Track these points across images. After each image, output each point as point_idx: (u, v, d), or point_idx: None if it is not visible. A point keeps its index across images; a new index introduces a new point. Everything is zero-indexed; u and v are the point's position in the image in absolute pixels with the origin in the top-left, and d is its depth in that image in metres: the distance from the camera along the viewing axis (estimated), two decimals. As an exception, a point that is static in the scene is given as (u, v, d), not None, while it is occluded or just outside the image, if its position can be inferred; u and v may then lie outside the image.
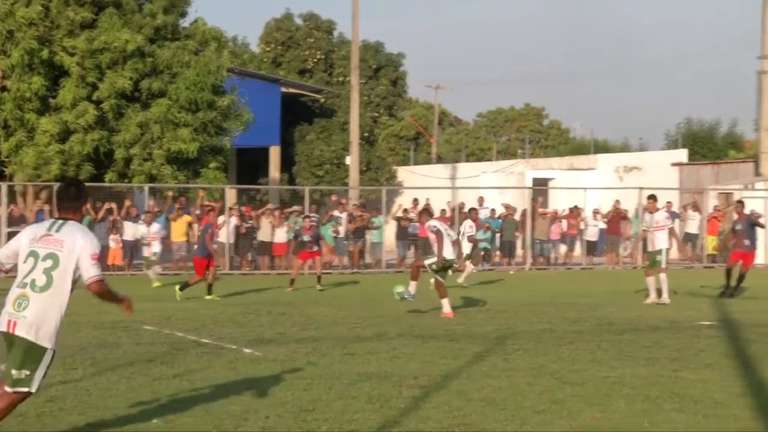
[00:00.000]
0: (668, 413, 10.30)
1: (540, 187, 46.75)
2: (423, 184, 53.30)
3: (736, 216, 24.16)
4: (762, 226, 26.23)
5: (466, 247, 27.72)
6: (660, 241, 23.20)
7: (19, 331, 8.16)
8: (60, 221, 8.48)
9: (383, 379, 12.32)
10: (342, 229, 36.61)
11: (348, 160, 46.54)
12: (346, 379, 12.19)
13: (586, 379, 12.29)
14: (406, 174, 60.81)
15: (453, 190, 43.66)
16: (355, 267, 36.57)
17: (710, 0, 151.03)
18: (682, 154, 50.94)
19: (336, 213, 37.37)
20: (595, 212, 40.71)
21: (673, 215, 23.84)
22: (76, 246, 8.32)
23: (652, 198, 24.09)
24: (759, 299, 24.00)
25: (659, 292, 22.81)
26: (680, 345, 15.52)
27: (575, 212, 40.64)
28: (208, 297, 23.49)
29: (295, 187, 49.31)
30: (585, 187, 43.77)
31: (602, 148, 64.34)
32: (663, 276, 22.80)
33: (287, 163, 55.16)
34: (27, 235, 8.50)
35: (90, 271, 8.30)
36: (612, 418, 10.13)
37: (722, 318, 19.18)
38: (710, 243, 40.08)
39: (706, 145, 60.47)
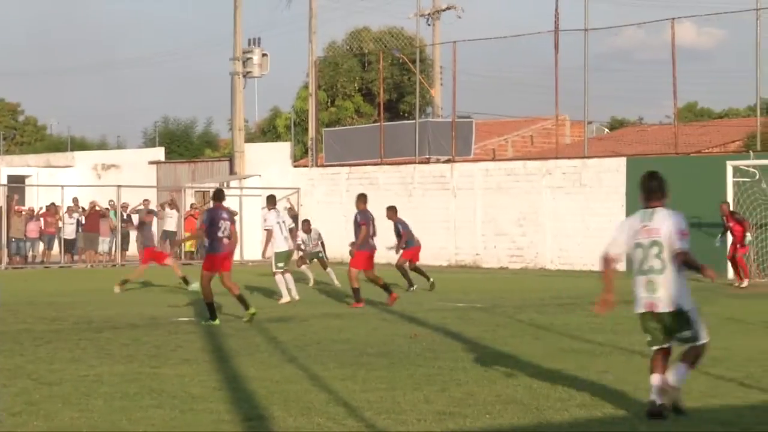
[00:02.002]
0: (146, 410, 10.39)
1: (16, 185, 45.46)
2: None
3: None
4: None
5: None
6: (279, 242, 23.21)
7: (662, 309, 9.87)
8: (650, 210, 10.02)
9: None
10: None
11: None
12: None
13: (65, 379, 12.15)
14: None
15: None
16: None
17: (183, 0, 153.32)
18: (159, 153, 51.48)
19: None
20: (71, 210, 40.22)
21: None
22: (668, 228, 9.85)
23: (273, 198, 24.13)
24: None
25: (290, 291, 23.08)
26: (159, 342, 15.71)
27: (52, 210, 39.95)
28: None
29: None
30: (62, 185, 43.08)
31: (80, 145, 63.70)
32: (288, 276, 23.05)
33: None
34: (627, 229, 10.13)
35: (676, 244, 9.79)
36: (90, 417, 10.07)
37: (199, 314, 19.59)
38: (188, 241, 40.78)
39: (182, 144, 61.49)
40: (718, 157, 36.67)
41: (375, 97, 52.28)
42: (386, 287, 22.06)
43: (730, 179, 30.55)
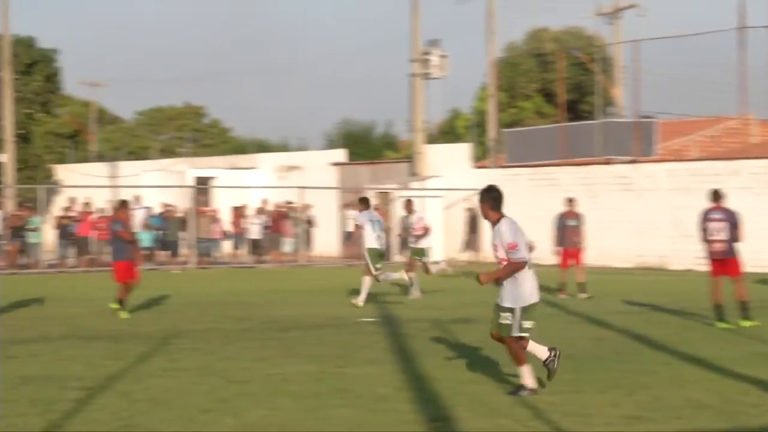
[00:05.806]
0: (333, 409, 10.51)
1: (202, 186, 46.57)
2: (82, 182, 52.05)
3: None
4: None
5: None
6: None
7: None
8: None
9: (46, 381, 12.01)
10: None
11: (3, 158, 44.91)
12: (7, 383, 11.75)
13: (253, 377, 12.38)
14: (64, 172, 59.26)
15: (113, 189, 42.87)
16: (13, 268, 35.19)
17: (362, 1, 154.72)
18: (340, 154, 52.02)
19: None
20: (258, 210, 41.01)
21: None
22: None
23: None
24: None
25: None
26: (344, 342, 15.86)
27: (238, 211, 40.82)
28: None
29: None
30: (248, 186, 43.95)
31: (262, 147, 64.84)
32: (385, 276, 22.56)
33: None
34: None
35: None
36: (278, 415, 10.24)
37: (383, 315, 19.73)
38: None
39: (363, 146, 62.03)
40: None
41: (555, 98, 51.85)
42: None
43: None
